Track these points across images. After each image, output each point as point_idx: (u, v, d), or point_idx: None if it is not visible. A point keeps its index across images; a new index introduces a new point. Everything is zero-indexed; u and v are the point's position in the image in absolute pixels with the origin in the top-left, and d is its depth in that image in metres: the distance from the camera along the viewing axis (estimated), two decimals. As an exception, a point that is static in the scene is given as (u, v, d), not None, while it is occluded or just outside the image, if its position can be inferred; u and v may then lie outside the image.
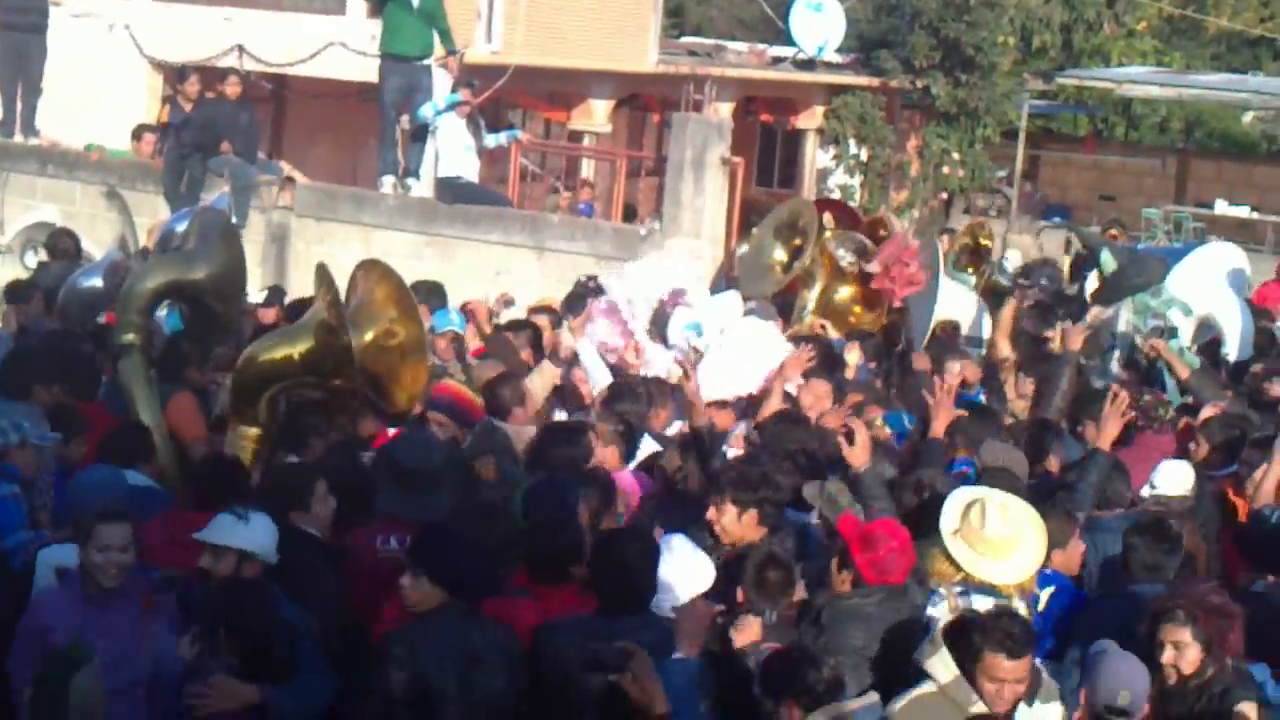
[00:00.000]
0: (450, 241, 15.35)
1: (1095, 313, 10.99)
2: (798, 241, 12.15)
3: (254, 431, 7.97)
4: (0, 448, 7.38)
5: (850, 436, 7.13)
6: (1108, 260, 11.33)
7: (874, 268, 11.53)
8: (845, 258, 11.85)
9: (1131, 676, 5.79)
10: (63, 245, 12.82)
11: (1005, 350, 10.54)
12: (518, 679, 5.61)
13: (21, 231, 17.10)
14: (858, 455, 7.06)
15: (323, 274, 8.13)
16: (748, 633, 5.91)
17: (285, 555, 6.13)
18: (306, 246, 15.91)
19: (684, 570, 6.13)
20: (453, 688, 5.43)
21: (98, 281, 11.29)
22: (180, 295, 9.42)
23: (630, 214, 19.10)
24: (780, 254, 12.24)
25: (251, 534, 5.98)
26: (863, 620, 6.02)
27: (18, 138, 17.82)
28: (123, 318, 8.88)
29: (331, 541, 6.68)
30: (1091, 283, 12.00)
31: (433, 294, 11.28)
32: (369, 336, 8.05)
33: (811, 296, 11.85)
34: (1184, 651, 5.93)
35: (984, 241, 13.17)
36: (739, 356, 9.88)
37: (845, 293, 11.92)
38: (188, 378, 8.98)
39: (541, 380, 9.29)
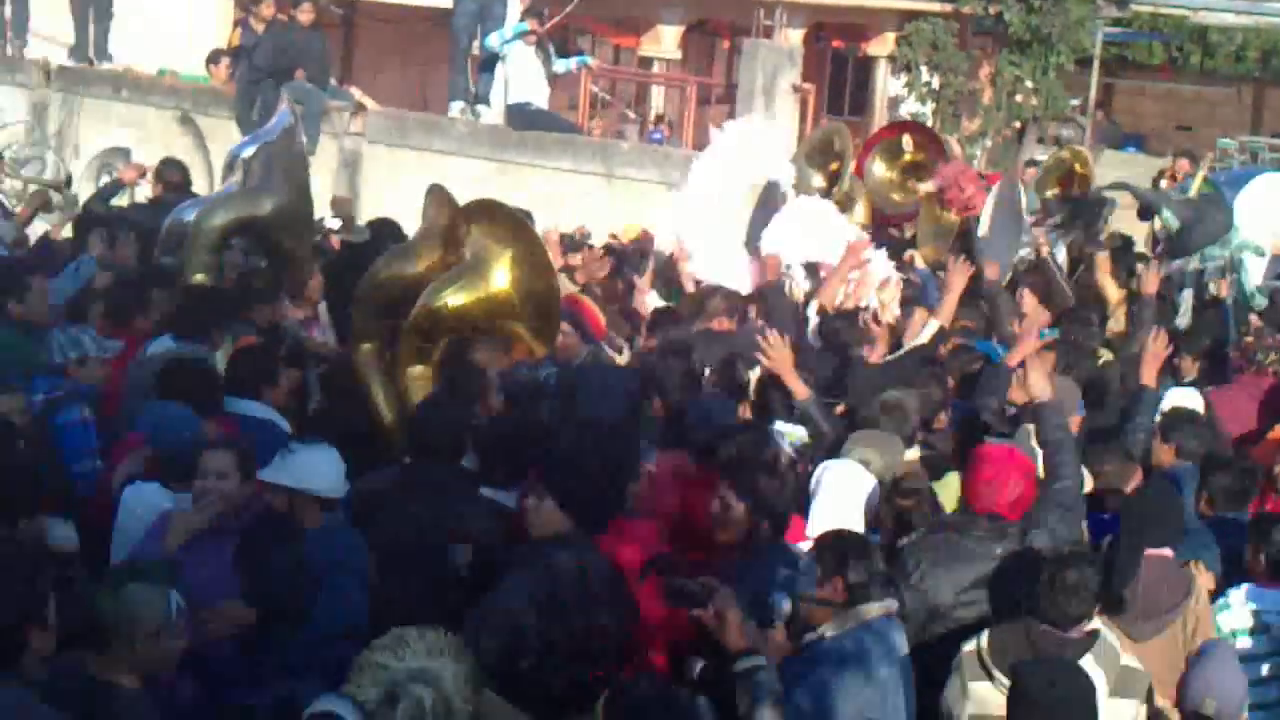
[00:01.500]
0: (520, 168, 15.34)
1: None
2: (835, 165, 12.01)
3: (421, 369, 7.71)
4: (59, 364, 7.50)
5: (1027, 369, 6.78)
6: (1169, 219, 11.24)
7: (930, 186, 11.46)
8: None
9: (1225, 684, 5.60)
10: (171, 176, 12.62)
11: (1113, 292, 10.50)
12: (629, 616, 5.58)
13: (96, 156, 17.22)
14: (1039, 386, 6.59)
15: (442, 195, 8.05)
16: None
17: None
18: (377, 172, 15.96)
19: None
20: (565, 614, 5.43)
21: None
22: (248, 231, 9.45)
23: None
24: (818, 180, 12.08)
25: (296, 470, 5.88)
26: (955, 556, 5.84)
27: (91, 63, 17.97)
28: (192, 257, 8.94)
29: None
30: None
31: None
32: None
33: (855, 221, 11.69)
34: None
35: (1081, 169, 12.91)
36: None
37: (950, 215, 11.82)
38: (257, 319, 8.71)
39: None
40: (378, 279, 8.46)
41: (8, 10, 18.40)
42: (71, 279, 9.45)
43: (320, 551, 5.70)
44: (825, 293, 9.44)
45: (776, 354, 7.19)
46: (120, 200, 12.49)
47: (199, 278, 8.81)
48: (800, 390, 7.15)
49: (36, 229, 12.06)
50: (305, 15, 15.86)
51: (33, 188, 14.13)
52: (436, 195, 8.45)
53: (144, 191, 13.22)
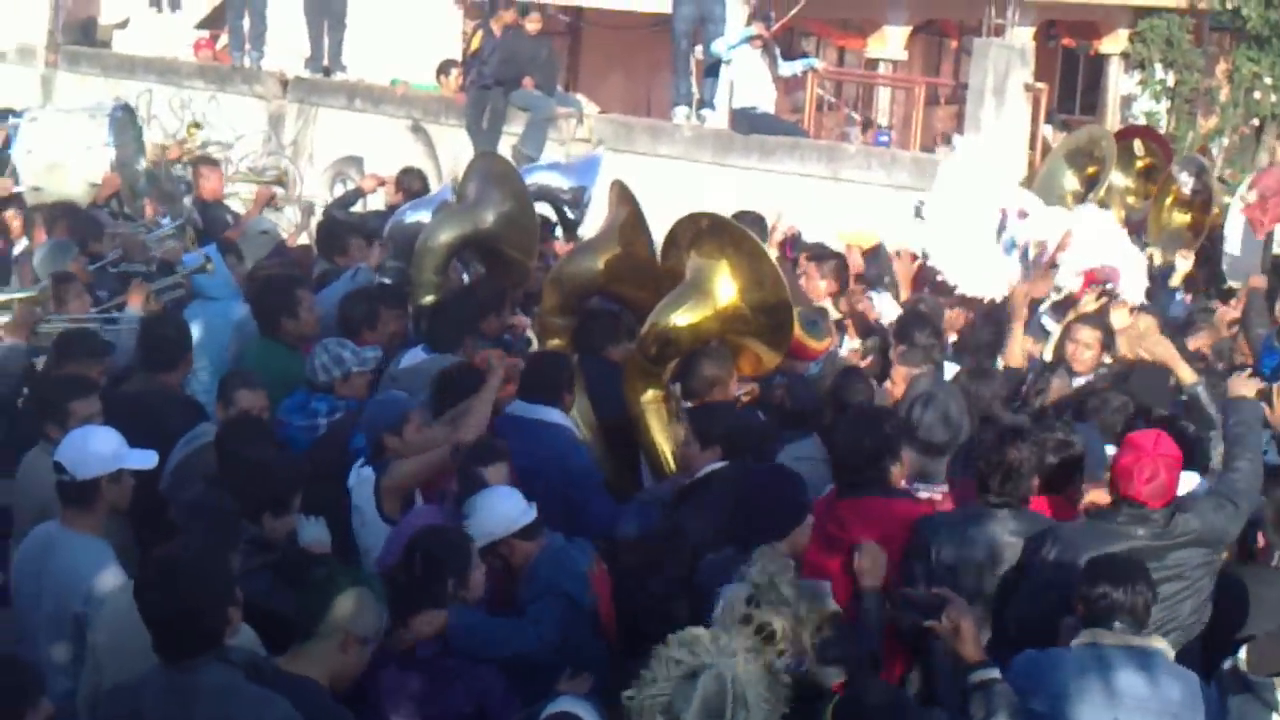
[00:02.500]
0: (745, 172, 15.27)
1: None
2: (1092, 169, 11.74)
3: (652, 394, 7.68)
4: (324, 383, 7.62)
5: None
6: None
7: (1251, 196, 11.14)
8: (1188, 183, 11.49)
9: None
10: (411, 185, 12.78)
11: None
12: None
13: (330, 165, 17.61)
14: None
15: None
16: None
17: None
18: (603, 177, 15.99)
19: None
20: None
21: (426, 216, 11.45)
22: (472, 246, 9.53)
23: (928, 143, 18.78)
24: (1073, 183, 11.81)
25: (484, 525, 5.94)
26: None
27: (325, 73, 18.40)
28: (420, 276, 9.03)
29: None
30: None
31: (755, 225, 11.11)
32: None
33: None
34: None
35: None
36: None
37: (1181, 218, 11.56)
38: (485, 329, 8.74)
39: None
40: (560, 275, 8.51)
41: (246, 23, 18.91)
42: (348, 287, 9.53)
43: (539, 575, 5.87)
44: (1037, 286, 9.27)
45: (1159, 346, 7.66)
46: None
47: (428, 299, 8.89)
48: (1188, 375, 7.55)
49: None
50: (533, 24, 16.06)
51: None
52: (618, 190, 8.43)
53: (379, 199, 13.46)
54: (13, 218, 11.51)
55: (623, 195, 8.43)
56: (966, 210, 10.49)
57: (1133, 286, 9.73)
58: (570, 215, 11.85)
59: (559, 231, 11.48)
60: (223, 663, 4.52)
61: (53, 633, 5.77)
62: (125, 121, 13.97)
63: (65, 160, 13.25)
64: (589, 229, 11.27)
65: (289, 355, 8.16)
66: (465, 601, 5.56)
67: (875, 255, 11.40)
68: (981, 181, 10.67)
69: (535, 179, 11.57)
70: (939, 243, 10.33)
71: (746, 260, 7.50)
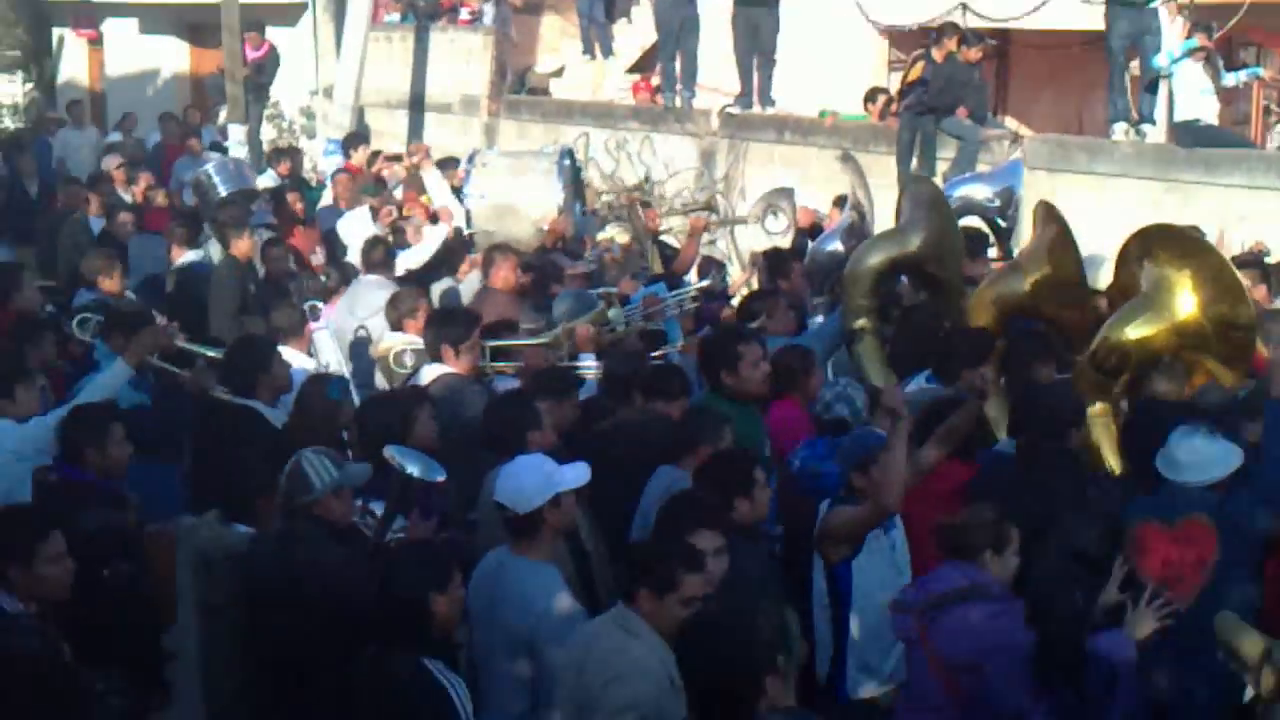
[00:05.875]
0: (1189, 187, 14.72)
1: None
2: None
3: (1101, 406, 7.64)
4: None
5: None
6: None
7: None
8: None
9: None
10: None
11: None
12: None
13: (761, 198, 17.83)
14: None
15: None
16: None
17: None
18: (1036, 198, 15.72)
19: None
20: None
21: (837, 245, 11.59)
22: (901, 270, 9.53)
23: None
24: None
25: None
26: None
27: (755, 108, 18.67)
28: (850, 302, 9.08)
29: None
30: None
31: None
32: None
33: None
34: None
35: None
36: None
37: None
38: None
39: None
40: (985, 298, 8.39)
41: (677, 65, 19.37)
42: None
43: None
44: None
45: None
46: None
47: (861, 323, 8.93)
48: None
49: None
50: (974, 54, 15.90)
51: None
52: (1044, 210, 8.30)
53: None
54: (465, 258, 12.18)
55: (1049, 215, 8.35)
56: None
57: None
58: (1001, 223, 11.71)
59: (990, 250, 11.37)
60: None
61: (506, 654, 6.04)
62: (568, 166, 14.52)
63: (516, 204, 13.78)
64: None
65: (736, 409, 7.94)
66: None
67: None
68: None
69: (960, 193, 11.51)
70: None
71: (1210, 274, 7.28)
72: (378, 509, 6.77)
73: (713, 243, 16.67)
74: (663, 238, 15.34)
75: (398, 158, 18.81)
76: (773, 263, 11.25)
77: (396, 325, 10.15)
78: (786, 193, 16.72)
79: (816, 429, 7.54)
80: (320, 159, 21.66)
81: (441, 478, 6.73)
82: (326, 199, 17.02)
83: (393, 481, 6.69)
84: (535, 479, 6.14)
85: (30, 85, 28.65)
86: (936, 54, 15.90)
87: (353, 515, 6.73)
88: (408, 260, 13.01)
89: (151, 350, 8.88)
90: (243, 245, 12.45)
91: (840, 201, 13.33)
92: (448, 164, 16.39)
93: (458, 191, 14.81)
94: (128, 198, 17.31)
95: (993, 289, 9.04)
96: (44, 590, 5.62)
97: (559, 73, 23.71)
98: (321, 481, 6.46)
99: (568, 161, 14.56)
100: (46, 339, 9.64)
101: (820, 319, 10.49)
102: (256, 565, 6.44)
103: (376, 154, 19.28)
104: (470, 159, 15.27)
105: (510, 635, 6.05)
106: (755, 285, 12.21)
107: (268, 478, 6.95)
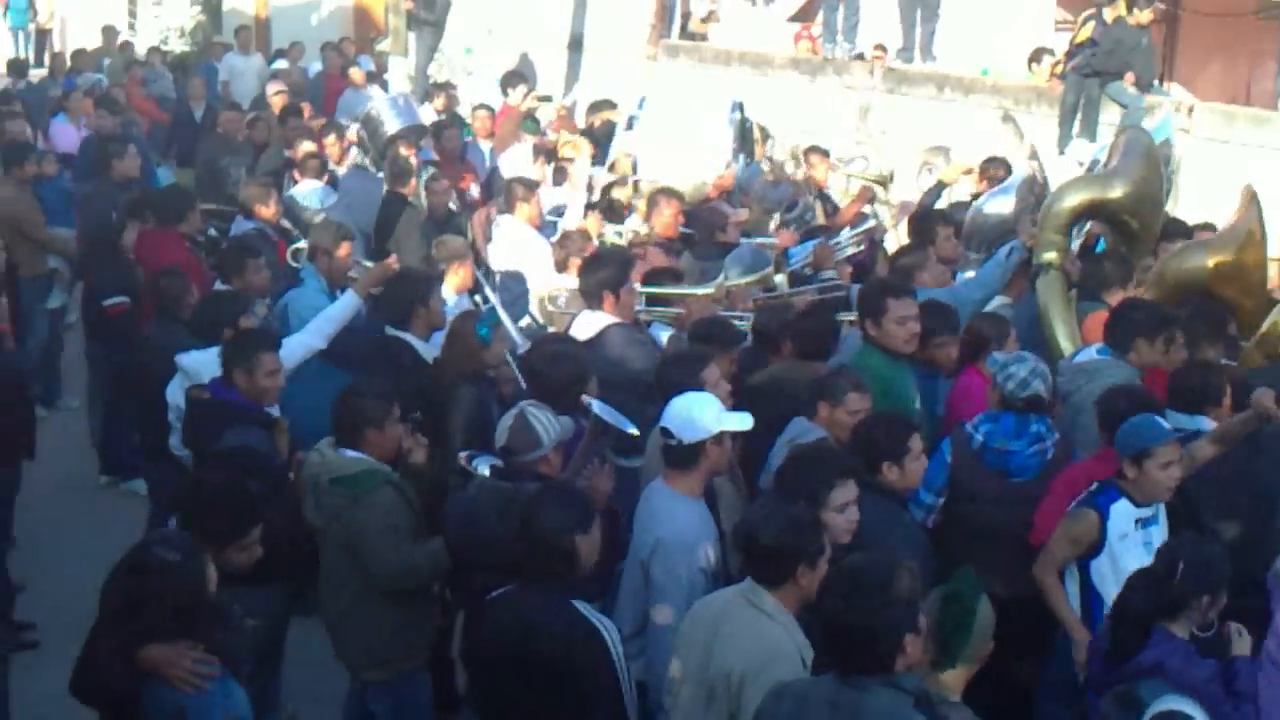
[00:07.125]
0: (1359, 164, 14.35)
1: None
2: None
3: None
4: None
5: None
6: None
7: None
8: None
9: None
10: (995, 173, 12.89)
11: None
12: None
13: (917, 155, 17.66)
14: None
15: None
16: None
17: None
18: (1203, 169, 15.43)
19: None
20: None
21: (1007, 204, 11.41)
22: (1098, 214, 9.44)
23: None
24: None
25: None
26: None
27: (916, 63, 18.47)
28: (1042, 235, 9.02)
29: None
30: None
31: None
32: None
33: None
34: None
35: None
36: None
37: None
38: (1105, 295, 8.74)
39: None
40: (1165, 272, 8.32)
41: (840, 15, 19.21)
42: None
43: None
44: None
45: None
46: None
47: (1049, 257, 8.88)
48: None
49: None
50: (1145, 17, 15.52)
51: (857, 182, 14.65)
52: (1246, 197, 8.22)
53: (964, 189, 13.44)
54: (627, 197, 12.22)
55: (1249, 201, 8.24)
56: None
57: None
58: None
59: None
60: (892, 689, 4.47)
61: (630, 568, 6.32)
62: (738, 120, 14.45)
63: (686, 156, 13.60)
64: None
65: (888, 364, 7.82)
66: None
67: None
68: None
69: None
70: None
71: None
72: (482, 465, 6.67)
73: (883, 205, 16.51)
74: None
75: (548, 98, 18.83)
76: (919, 226, 11.11)
77: (562, 265, 10.21)
78: (943, 151, 16.57)
79: (1002, 402, 7.18)
80: (476, 95, 21.77)
81: (635, 430, 6.81)
82: (481, 134, 17.07)
83: (589, 431, 6.77)
84: (707, 412, 6.26)
85: (198, 9, 29.12)
86: (1108, 14, 15.57)
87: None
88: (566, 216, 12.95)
89: (379, 284, 9.09)
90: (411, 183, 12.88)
91: (986, 165, 13.08)
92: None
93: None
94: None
95: (1176, 262, 8.98)
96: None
97: (715, 19, 23.62)
98: (549, 436, 6.50)
99: (738, 115, 14.49)
100: (249, 266, 9.91)
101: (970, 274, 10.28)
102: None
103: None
104: (640, 104, 15.19)
105: (635, 550, 6.26)
106: (904, 237, 12.10)
107: (412, 409, 7.08)
